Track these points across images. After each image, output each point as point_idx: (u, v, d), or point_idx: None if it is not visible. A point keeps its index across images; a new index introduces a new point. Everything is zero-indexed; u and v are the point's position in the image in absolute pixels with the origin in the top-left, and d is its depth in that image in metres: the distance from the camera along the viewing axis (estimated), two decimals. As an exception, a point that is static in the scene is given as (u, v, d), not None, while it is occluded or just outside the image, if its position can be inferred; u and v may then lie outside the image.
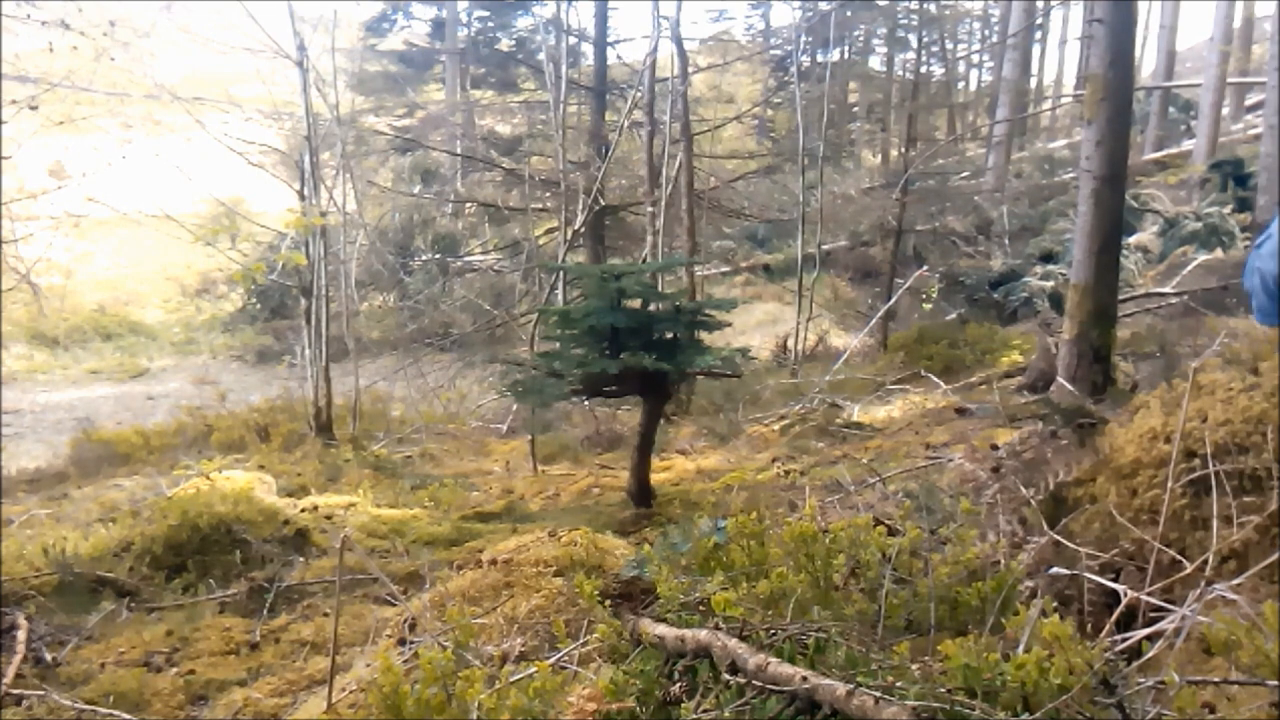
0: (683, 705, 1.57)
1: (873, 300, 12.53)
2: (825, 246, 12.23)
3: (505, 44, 19.59)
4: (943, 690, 1.34)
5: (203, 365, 15.13)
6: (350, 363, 7.66)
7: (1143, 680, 1.38)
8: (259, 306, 16.64)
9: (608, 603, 2.09)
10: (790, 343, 9.65)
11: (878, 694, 1.33)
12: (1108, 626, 1.75)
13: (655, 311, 3.87)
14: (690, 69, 8.71)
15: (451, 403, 9.61)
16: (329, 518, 4.16)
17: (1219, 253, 11.06)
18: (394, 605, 2.84)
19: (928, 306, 11.83)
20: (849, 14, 15.99)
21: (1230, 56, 17.18)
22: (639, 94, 8.15)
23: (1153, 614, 1.73)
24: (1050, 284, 10.58)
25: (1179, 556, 1.90)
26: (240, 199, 15.58)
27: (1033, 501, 2.26)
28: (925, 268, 11.94)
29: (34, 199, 14.69)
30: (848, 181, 17.55)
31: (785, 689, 1.45)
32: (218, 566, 3.38)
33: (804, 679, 1.42)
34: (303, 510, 4.19)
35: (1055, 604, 1.75)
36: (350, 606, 2.97)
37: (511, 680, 1.64)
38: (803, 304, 9.44)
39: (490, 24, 20.05)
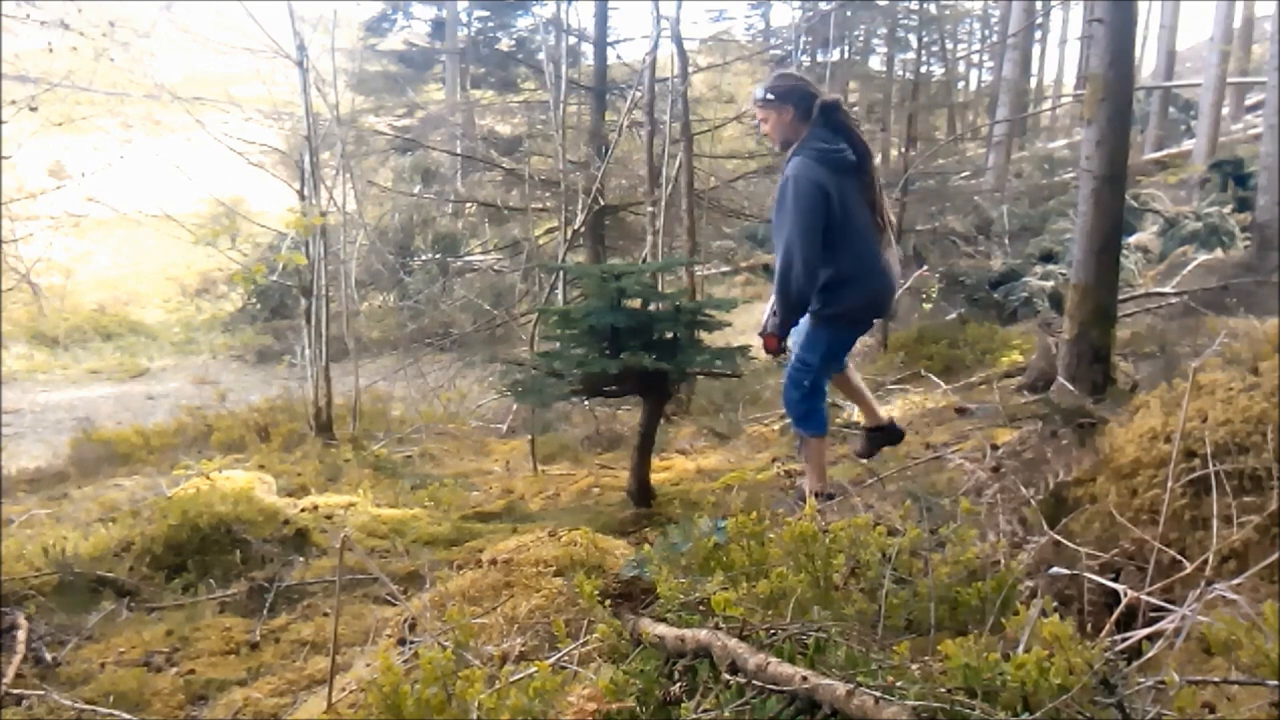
0: (683, 705, 1.57)
1: (873, 300, 12.48)
2: (825, 247, 12.16)
3: (505, 44, 19.55)
4: (943, 690, 1.34)
5: (203, 365, 15.13)
6: (350, 363, 7.66)
7: (1143, 680, 1.38)
8: (259, 306, 16.66)
9: (608, 603, 2.09)
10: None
11: (878, 694, 1.33)
12: (1108, 626, 1.75)
13: (655, 311, 3.87)
14: (690, 69, 8.70)
15: (451, 403, 9.60)
16: (329, 518, 4.16)
17: (1219, 253, 11.06)
18: (394, 605, 2.83)
19: (928, 306, 11.80)
20: (849, 14, 15.95)
21: (1230, 56, 17.18)
22: (639, 94, 8.14)
23: (1153, 614, 1.73)
24: (1050, 284, 10.57)
25: (1179, 556, 1.90)
26: (240, 199, 15.62)
27: (1033, 501, 2.26)
28: (925, 268, 11.93)
29: (34, 199, 14.68)
30: (848, 181, 17.44)
31: (785, 689, 1.45)
32: (218, 566, 3.38)
33: (804, 679, 1.42)
34: (303, 510, 4.19)
35: (1055, 604, 1.75)
36: (350, 606, 2.97)
37: (511, 680, 1.64)
38: (803, 304, 9.41)
39: (490, 24, 20.02)
